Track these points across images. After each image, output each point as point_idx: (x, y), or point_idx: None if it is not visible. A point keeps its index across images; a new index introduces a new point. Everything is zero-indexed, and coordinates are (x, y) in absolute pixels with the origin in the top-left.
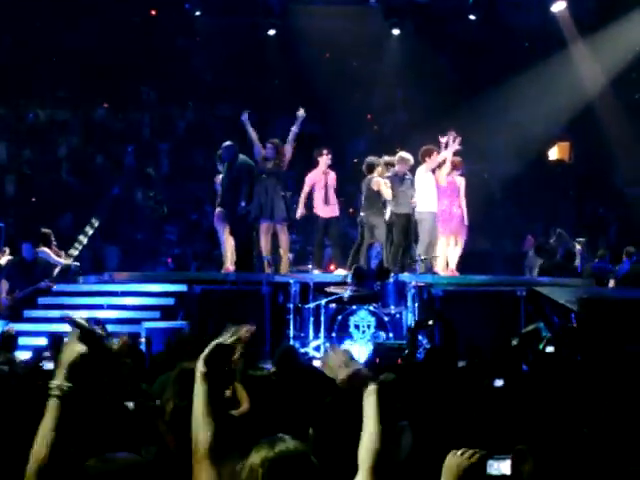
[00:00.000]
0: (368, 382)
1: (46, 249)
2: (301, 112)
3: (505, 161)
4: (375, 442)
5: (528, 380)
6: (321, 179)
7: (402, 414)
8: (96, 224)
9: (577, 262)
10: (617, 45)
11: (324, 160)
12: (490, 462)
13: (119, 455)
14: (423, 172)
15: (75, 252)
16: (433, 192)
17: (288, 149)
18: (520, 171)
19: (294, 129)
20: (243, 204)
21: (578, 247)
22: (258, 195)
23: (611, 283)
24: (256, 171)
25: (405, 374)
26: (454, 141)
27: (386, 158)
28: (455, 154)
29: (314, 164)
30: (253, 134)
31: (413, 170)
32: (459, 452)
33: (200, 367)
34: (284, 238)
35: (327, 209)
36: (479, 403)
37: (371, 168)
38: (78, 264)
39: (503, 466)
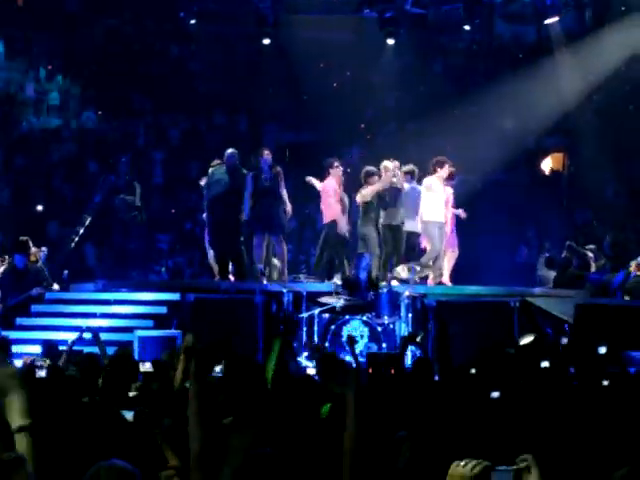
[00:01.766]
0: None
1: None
2: None
3: (497, 171)
4: (348, 441)
5: (525, 392)
6: (337, 190)
7: (401, 424)
8: (87, 222)
9: (593, 270)
10: (608, 55)
11: (336, 171)
12: (493, 473)
13: (117, 463)
14: (432, 182)
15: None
16: (441, 202)
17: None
18: (512, 181)
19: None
20: (246, 213)
21: (591, 255)
22: (258, 208)
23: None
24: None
25: (396, 384)
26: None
27: (406, 167)
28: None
29: (322, 174)
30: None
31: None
32: (462, 463)
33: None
34: (283, 249)
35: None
36: (477, 414)
37: (366, 177)
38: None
39: (506, 477)
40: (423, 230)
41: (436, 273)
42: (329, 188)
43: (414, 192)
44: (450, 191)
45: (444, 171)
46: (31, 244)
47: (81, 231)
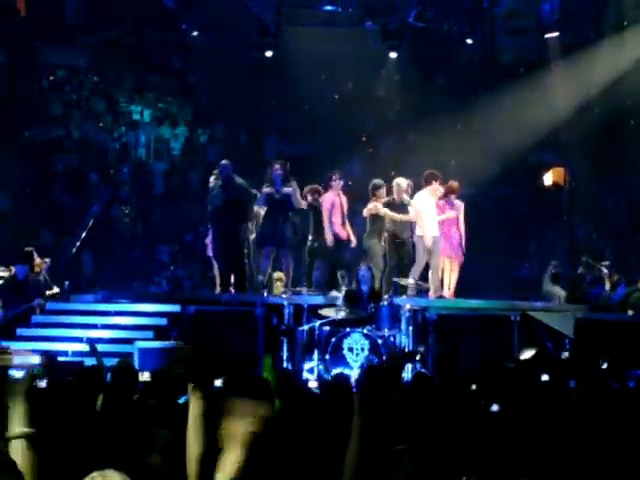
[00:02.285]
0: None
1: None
2: None
3: (498, 185)
4: (351, 456)
5: (525, 406)
6: (336, 202)
7: (400, 438)
8: (90, 225)
9: (607, 288)
10: (608, 68)
11: (336, 184)
12: None
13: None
14: (424, 196)
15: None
16: (433, 215)
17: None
18: (513, 195)
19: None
20: (244, 226)
21: (605, 271)
22: (265, 222)
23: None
24: (266, 196)
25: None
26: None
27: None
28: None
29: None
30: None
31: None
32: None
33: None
34: (289, 262)
35: (344, 232)
36: (476, 428)
37: (374, 190)
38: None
39: None
40: (417, 243)
41: (436, 286)
42: (326, 201)
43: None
44: (461, 205)
45: (432, 186)
46: (35, 255)
47: (83, 234)
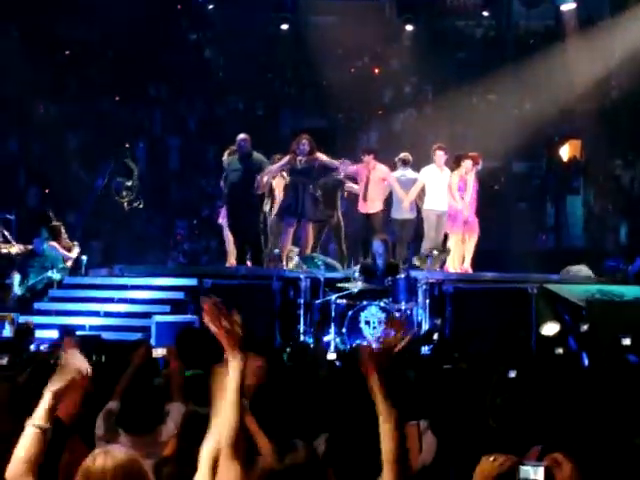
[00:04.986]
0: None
1: (55, 244)
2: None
3: (515, 158)
4: (387, 442)
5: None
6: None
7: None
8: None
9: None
10: (627, 40)
11: (367, 159)
12: (522, 468)
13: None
14: (435, 170)
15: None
16: (438, 190)
17: (324, 159)
18: (530, 168)
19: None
20: (260, 181)
21: None
22: (288, 194)
23: None
24: (287, 169)
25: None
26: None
27: (401, 155)
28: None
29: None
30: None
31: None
32: (491, 458)
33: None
34: (310, 235)
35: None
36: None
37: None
38: (85, 257)
39: (536, 473)
40: (425, 218)
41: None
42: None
43: (407, 180)
44: (472, 177)
45: (439, 158)
46: (63, 230)
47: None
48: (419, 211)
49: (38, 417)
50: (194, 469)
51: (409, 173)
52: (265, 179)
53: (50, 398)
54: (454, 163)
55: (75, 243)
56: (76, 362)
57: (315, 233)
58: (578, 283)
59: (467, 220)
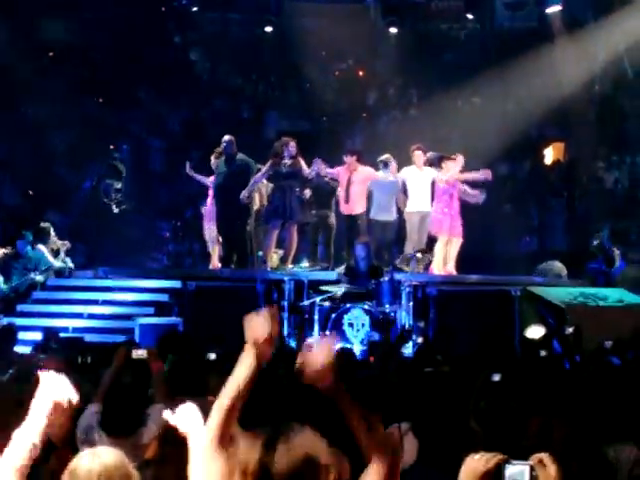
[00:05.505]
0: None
1: (41, 247)
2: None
3: (500, 160)
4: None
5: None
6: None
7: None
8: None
9: (617, 265)
10: (611, 42)
11: (349, 160)
12: (508, 467)
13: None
14: (415, 171)
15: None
16: (427, 192)
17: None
18: (514, 170)
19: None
20: (245, 195)
21: (618, 252)
22: (274, 197)
23: None
24: (270, 174)
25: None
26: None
27: (382, 157)
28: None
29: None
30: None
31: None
32: (477, 456)
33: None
34: (293, 237)
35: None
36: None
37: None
38: (72, 266)
39: (522, 472)
40: (407, 220)
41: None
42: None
43: (389, 183)
44: (453, 177)
45: (418, 158)
46: (52, 232)
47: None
48: (400, 213)
49: (28, 432)
50: (176, 472)
51: (390, 175)
52: (248, 194)
53: (39, 417)
54: (438, 165)
55: (65, 242)
56: (58, 393)
57: (313, 235)
58: (561, 285)
59: (452, 223)
